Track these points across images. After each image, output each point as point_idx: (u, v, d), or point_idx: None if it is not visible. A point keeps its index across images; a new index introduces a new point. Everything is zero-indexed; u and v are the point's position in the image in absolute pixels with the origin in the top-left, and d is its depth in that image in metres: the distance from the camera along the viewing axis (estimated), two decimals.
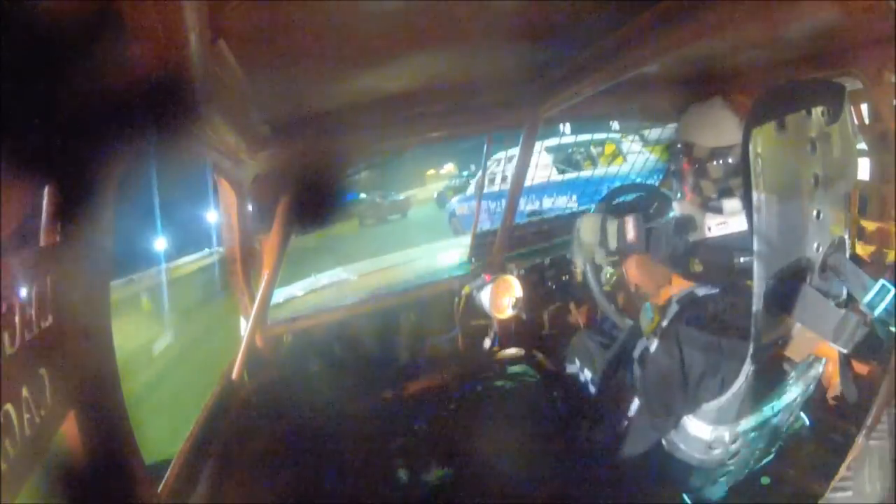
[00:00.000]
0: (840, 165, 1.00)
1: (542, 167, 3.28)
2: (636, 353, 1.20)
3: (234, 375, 1.45)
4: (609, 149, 5.81)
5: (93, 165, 0.52)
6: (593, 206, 1.85)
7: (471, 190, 7.78)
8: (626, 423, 1.23)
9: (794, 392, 1.19)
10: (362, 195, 14.08)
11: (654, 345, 1.15)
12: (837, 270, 1.02)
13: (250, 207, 1.35)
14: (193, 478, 1.02)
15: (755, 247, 0.88)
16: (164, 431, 1.58)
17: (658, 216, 1.45)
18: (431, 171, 19.51)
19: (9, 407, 0.43)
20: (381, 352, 1.92)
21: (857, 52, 1.26)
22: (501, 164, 5.89)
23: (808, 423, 1.34)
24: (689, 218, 1.19)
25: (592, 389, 1.39)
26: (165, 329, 6.63)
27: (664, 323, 1.13)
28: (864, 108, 1.52)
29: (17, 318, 0.45)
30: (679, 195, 1.22)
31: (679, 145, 1.19)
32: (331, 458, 1.75)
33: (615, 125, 5.40)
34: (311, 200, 1.35)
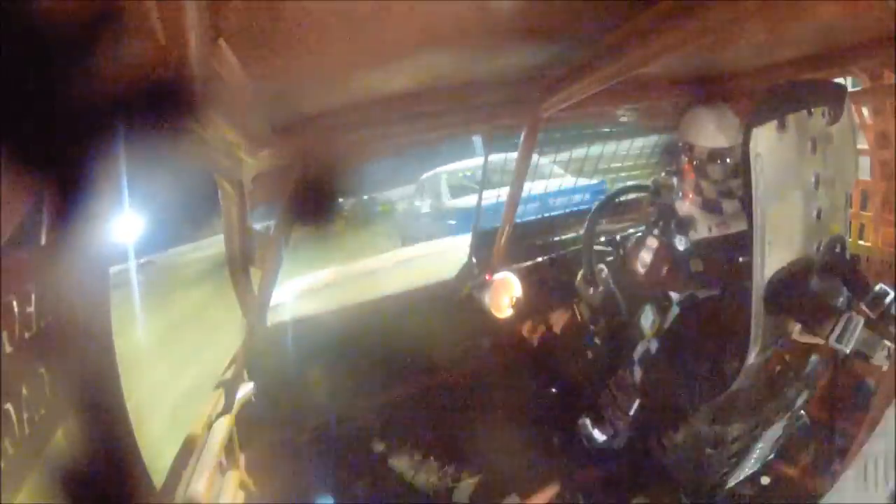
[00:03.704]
0: (840, 165, 1.00)
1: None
2: (637, 355, 1.20)
3: (234, 375, 1.45)
4: None
5: (92, 165, 0.52)
6: (594, 205, 1.85)
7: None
8: (626, 421, 1.23)
9: (794, 392, 1.19)
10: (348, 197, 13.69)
11: (655, 347, 1.15)
12: (838, 270, 1.02)
13: (250, 207, 1.35)
14: (193, 478, 1.02)
15: (755, 246, 0.88)
16: None
17: (657, 216, 1.45)
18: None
19: (8, 406, 0.43)
20: (381, 351, 1.92)
21: (857, 52, 1.26)
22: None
23: (808, 422, 1.34)
24: (689, 218, 1.19)
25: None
26: None
27: (666, 325, 1.13)
28: (863, 107, 1.52)
29: (16, 318, 0.45)
30: (679, 195, 1.22)
31: (680, 146, 1.19)
32: (331, 458, 1.75)
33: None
34: (312, 200, 1.35)
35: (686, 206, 1.20)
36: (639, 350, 1.20)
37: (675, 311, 1.13)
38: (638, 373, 1.19)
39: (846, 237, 1.09)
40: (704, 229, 1.17)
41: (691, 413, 1.13)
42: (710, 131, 1.13)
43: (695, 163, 1.15)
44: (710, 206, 1.15)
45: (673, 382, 1.12)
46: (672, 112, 1.64)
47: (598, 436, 1.29)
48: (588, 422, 1.33)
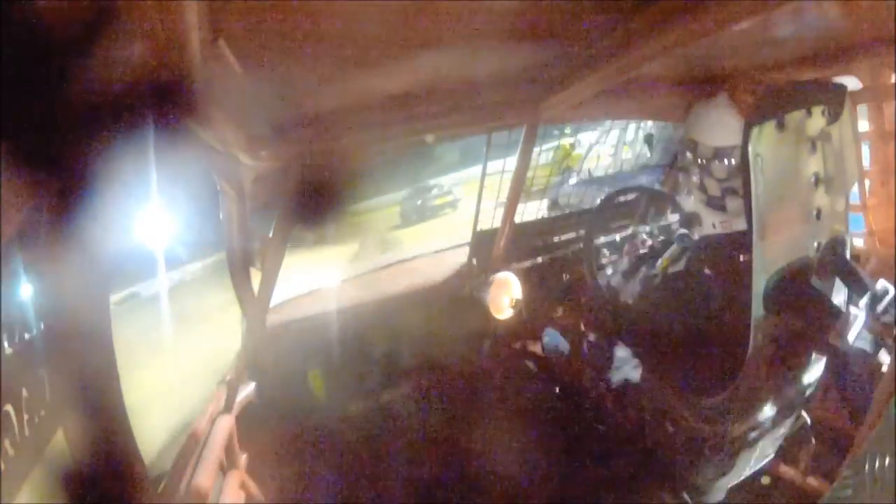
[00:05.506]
0: (840, 165, 1.01)
1: None
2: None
3: (234, 375, 1.45)
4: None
5: (92, 165, 0.52)
6: (595, 205, 1.85)
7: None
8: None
9: (794, 391, 1.19)
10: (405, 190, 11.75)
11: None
12: (838, 270, 1.02)
13: (250, 208, 1.35)
14: (194, 478, 1.02)
15: (755, 246, 0.88)
16: None
17: (656, 217, 1.46)
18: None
19: (8, 407, 0.43)
20: (381, 351, 1.92)
21: (857, 52, 1.26)
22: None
23: (808, 422, 1.34)
24: (693, 214, 1.21)
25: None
26: None
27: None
28: (863, 108, 1.52)
29: (16, 319, 0.45)
30: (684, 192, 1.23)
31: (684, 142, 1.20)
32: (331, 458, 1.75)
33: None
34: (311, 201, 1.35)
35: (691, 202, 1.22)
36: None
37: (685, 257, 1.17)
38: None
39: (846, 237, 1.10)
40: (709, 226, 1.19)
41: (688, 403, 1.14)
42: (715, 129, 1.13)
43: (699, 160, 1.15)
44: (715, 204, 1.16)
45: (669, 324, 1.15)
46: (672, 111, 1.64)
47: (600, 434, 1.30)
48: (587, 420, 1.34)
